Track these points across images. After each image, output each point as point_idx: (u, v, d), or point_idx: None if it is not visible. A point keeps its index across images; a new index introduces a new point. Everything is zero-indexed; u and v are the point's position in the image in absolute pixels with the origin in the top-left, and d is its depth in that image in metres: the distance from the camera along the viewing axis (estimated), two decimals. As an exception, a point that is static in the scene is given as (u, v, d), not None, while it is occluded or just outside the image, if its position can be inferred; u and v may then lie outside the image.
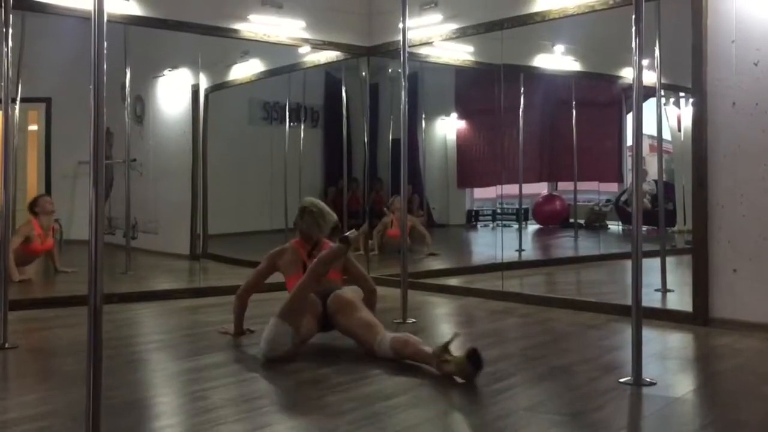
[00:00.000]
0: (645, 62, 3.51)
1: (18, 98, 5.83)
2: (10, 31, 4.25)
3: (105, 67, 2.39)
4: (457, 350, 3.42)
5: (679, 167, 6.33)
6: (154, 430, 2.82)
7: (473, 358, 3.30)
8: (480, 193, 8.75)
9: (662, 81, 5.55)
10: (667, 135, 6.16)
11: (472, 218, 8.90)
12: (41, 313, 5.13)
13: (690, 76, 4.82)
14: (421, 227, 8.01)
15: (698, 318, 4.72)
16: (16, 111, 5.75)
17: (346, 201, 8.21)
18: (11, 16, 4.27)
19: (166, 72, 7.90)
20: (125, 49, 6.69)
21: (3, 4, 4.23)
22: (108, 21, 2.43)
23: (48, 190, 7.67)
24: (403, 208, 5.39)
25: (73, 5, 5.46)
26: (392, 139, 8.00)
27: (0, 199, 4.22)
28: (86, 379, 2.33)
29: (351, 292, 4.14)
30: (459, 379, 3.34)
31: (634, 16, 3.44)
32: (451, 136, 8.68)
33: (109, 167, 7.27)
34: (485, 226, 8.67)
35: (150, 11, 5.96)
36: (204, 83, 7.45)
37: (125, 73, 6.94)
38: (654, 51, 5.40)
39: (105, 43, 2.40)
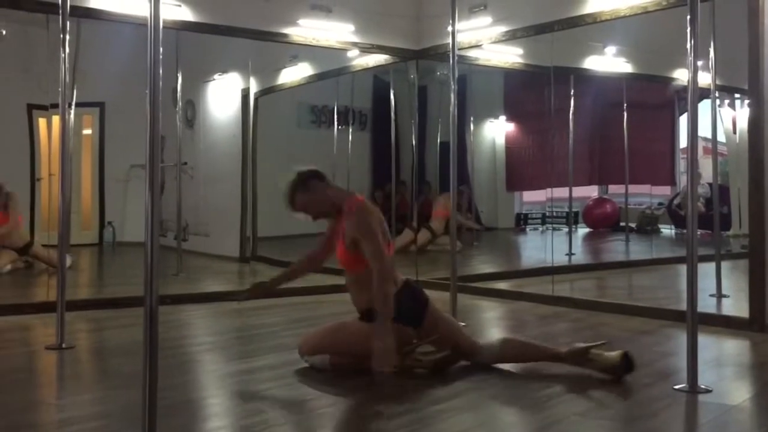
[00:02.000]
0: (699, 63, 3.44)
1: (73, 103, 5.94)
2: (68, 37, 4.33)
3: (161, 72, 2.42)
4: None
5: (734, 170, 6.21)
6: (206, 431, 2.85)
7: (626, 361, 3.42)
8: (529, 196, 8.70)
9: (717, 82, 5.44)
10: (721, 137, 6.05)
11: (521, 221, 8.85)
12: (96, 314, 5.22)
13: (746, 77, 4.72)
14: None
15: (755, 324, 4.60)
16: (71, 115, 5.88)
17: (394, 204, 8.23)
18: (68, 22, 4.36)
19: (216, 76, 8.00)
20: (177, 54, 6.77)
21: (60, 12, 4.32)
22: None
23: (101, 193, 7.84)
24: (453, 210, 5.36)
25: (128, 12, 5.56)
26: (440, 142, 7.99)
27: (57, 201, 4.32)
28: (143, 379, 2.37)
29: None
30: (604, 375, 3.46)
31: (689, 17, 3.38)
32: (500, 139, 8.65)
33: (161, 170, 7.36)
34: (534, 229, 8.61)
35: (201, 17, 6.04)
36: (254, 87, 7.53)
37: (176, 78, 7.03)
38: (708, 52, 5.30)
39: (161, 49, 2.43)
